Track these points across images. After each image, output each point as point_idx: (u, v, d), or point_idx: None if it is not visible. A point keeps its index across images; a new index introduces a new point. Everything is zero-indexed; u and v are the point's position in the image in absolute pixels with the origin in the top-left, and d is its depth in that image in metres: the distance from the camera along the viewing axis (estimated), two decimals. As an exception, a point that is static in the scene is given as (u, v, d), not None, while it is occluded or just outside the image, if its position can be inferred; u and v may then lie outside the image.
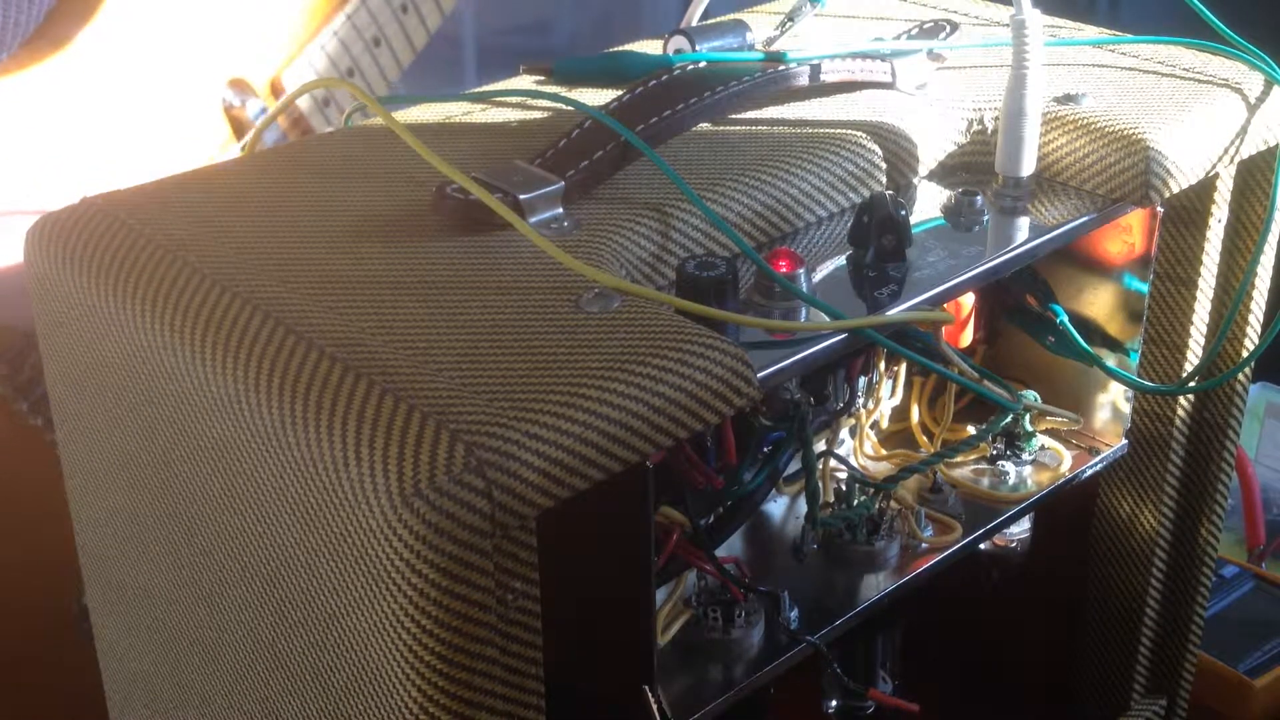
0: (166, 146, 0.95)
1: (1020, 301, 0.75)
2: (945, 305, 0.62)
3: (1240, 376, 0.77)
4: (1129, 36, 0.78)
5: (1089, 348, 0.72)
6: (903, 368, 0.73)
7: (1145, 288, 0.72)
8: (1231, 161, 0.70)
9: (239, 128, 0.99)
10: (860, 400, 0.71)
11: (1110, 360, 0.73)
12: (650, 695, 0.55)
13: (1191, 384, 0.75)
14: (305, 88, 0.76)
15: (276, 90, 1.01)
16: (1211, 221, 0.73)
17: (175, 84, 0.95)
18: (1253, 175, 0.74)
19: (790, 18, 0.78)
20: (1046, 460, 0.74)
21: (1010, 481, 0.73)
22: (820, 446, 0.70)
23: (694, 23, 0.78)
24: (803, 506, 0.68)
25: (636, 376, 0.48)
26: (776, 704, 0.74)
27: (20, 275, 0.62)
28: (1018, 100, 0.66)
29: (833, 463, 0.70)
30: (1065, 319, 0.72)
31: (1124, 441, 0.75)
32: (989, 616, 0.87)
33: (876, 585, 0.66)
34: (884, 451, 0.74)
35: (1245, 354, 0.77)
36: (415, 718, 0.46)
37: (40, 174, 0.89)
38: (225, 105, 0.98)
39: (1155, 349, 0.76)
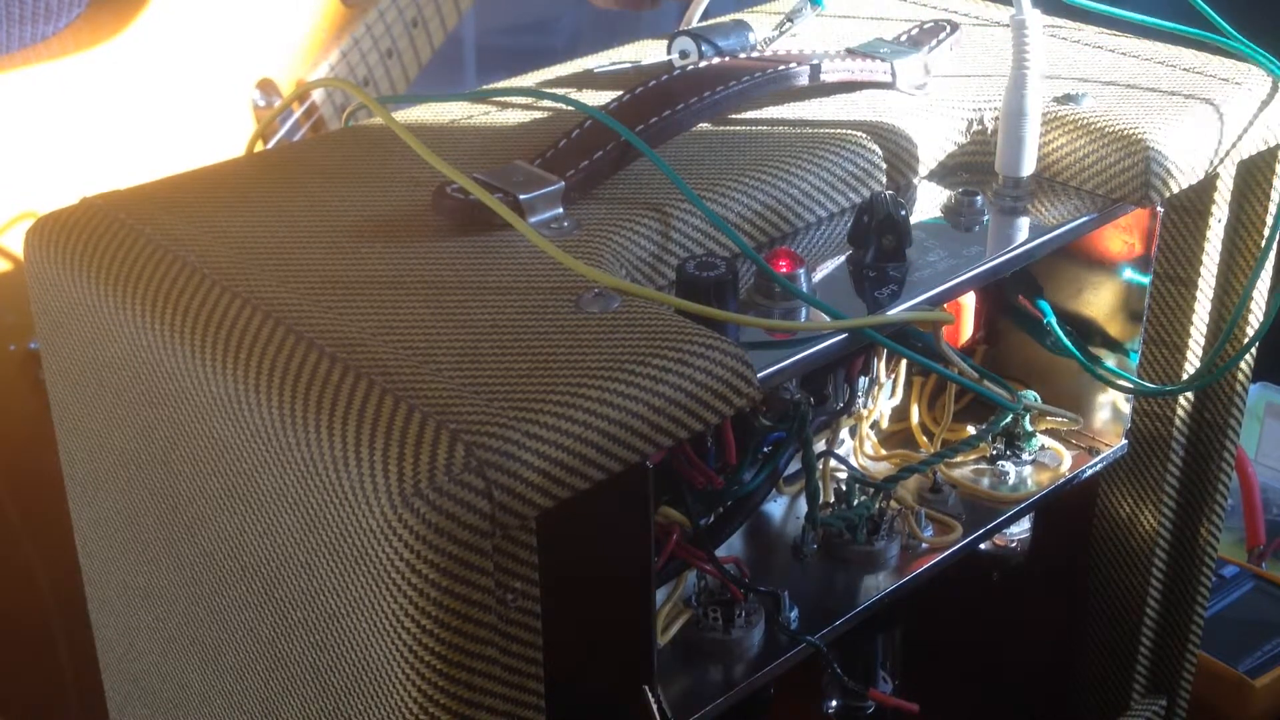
0: (198, 142, 0.97)
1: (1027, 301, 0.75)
2: (945, 305, 0.62)
3: (1240, 377, 0.77)
4: (1139, 16, 0.77)
5: (1074, 347, 0.72)
6: (903, 368, 0.73)
7: (1145, 287, 0.72)
8: (1232, 161, 0.70)
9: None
10: (860, 400, 0.71)
11: (1110, 360, 0.73)
12: (650, 695, 0.55)
13: (1182, 384, 0.75)
14: (305, 87, 0.77)
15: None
16: (1212, 221, 0.73)
17: (207, 82, 0.98)
18: (1253, 175, 0.74)
19: (790, 18, 0.78)
20: (1046, 460, 0.74)
21: (1010, 481, 0.73)
22: (820, 446, 0.70)
23: (694, 23, 0.78)
24: (803, 506, 0.68)
25: (636, 376, 0.48)
26: (776, 704, 0.74)
27: None
28: (1018, 100, 0.66)
29: (833, 463, 0.70)
30: (1053, 318, 0.72)
31: (1124, 441, 0.75)
32: (989, 616, 0.87)
33: (876, 585, 0.66)
34: (884, 451, 0.74)
35: (1247, 355, 0.77)
36: (415, 718, 0.46)
37: (75, 168, 0.90)
38: (254, 105, 1.00)
39: (1155, 349, 0.76)
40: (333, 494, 0.46)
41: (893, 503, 0.69)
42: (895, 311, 0.59)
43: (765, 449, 0.64)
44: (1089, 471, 0.74)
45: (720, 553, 0.63)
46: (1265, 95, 0.72)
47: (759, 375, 0.51)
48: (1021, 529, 0.83)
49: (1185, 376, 0.75)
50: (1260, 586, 1.03)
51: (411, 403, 0.46)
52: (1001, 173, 0.68)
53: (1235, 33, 0.75)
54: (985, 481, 0.72)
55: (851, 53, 0.71)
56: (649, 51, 0.76)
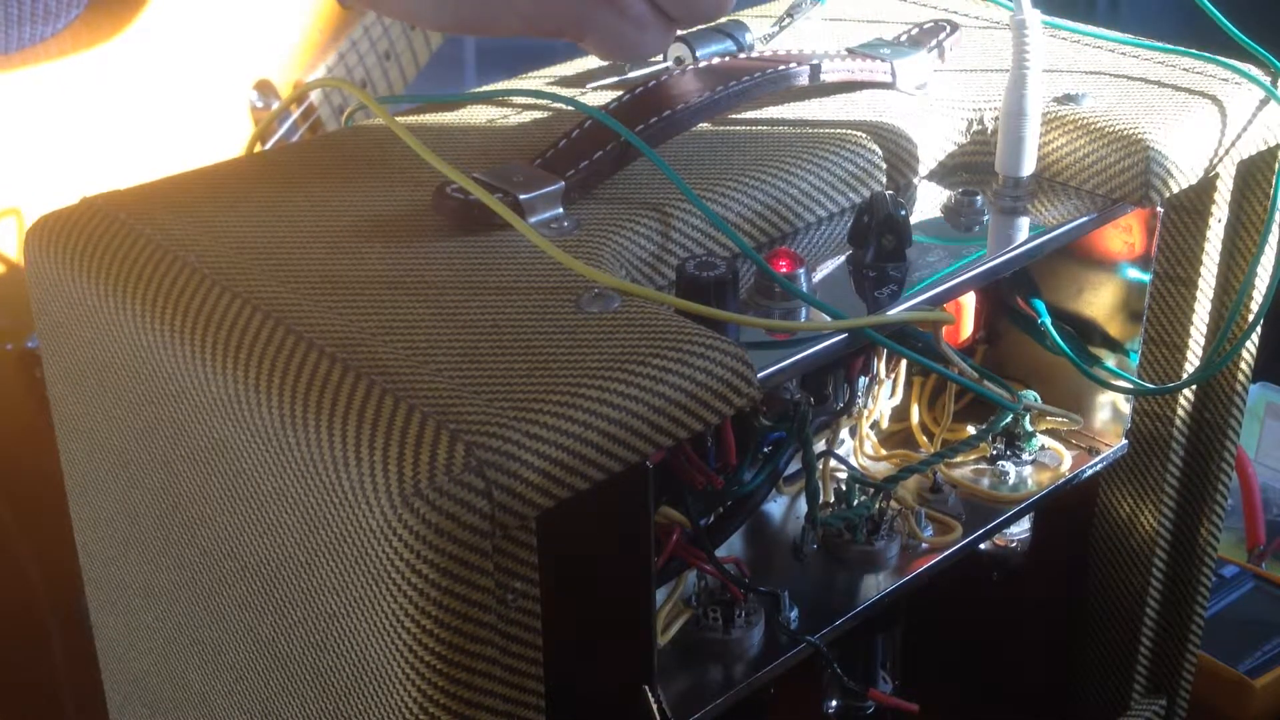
0: (196, 144, 0.97)
1: (1023, 301, 0.75)
2: (945, 305, 0.62)
3: (1240, 376, 0.77)
4: (1131, 39, 0.78)
5: (1069, 348, 0.72)
6: (903, 368, 0.73)
7: (1145, 287, 0.72)
8: (1232, 161, 0.70)
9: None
10: (860, 400, 0.71)
11: (1110, 360, 0.73)
12: (650, 695, 0.55)
13: (1177, 383, 0.75)
14: (307, 87, 0.77)
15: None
16: (1212, 221, 0.73)
17: (205, 84, 0.97)
18: (1253, 175, 0.74)
19: (789, 14, 0.78)
20: (1046, 460, 0.74)
21: (1010, 481, 0.73)
22: (820, 446, 0.70)
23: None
24: (803, 506, 0.68)
25: (636, 376, 0.48)
26: (776, 704, 0.74)
27: None
28: (1018, 100, 0.66)
29: (833, 463, 0.70)
30: (1048, 319, 0.72)
31: (1124, 441, 0.75)
32: (989, 616, 0.87)
33: (876, 585, 0.66)
34: (884, 451, 0.74)
35: (1245, 354, 0.77)
36: (415, 718, 0.46)
37: (71, 169, 0.90)
38: (251, 107, 1.00)
39: (1155, 349, 0.76)
40: (333, 494, 0.46)
41: (893, 503, 0.69)
42: (895, 311, 0.58)
43: (765, 449, 0.64)
44: (1089, 471, 0.74)
45: (720, 553, 0.63)
46: (1265, 95, 0.72)
47: (759, 375, 0.51)
48: (1021, 529, 0.83)
49: (1185, 376, 0.75)
50: (1260, 586, 1.03)
51: (411, 403, 0.46)
52: (1001, 173, 0.68)
53: (1236, 30, 0.75)
54: (985, 481, 0.73)
55: (851, 52, 0.71)
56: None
